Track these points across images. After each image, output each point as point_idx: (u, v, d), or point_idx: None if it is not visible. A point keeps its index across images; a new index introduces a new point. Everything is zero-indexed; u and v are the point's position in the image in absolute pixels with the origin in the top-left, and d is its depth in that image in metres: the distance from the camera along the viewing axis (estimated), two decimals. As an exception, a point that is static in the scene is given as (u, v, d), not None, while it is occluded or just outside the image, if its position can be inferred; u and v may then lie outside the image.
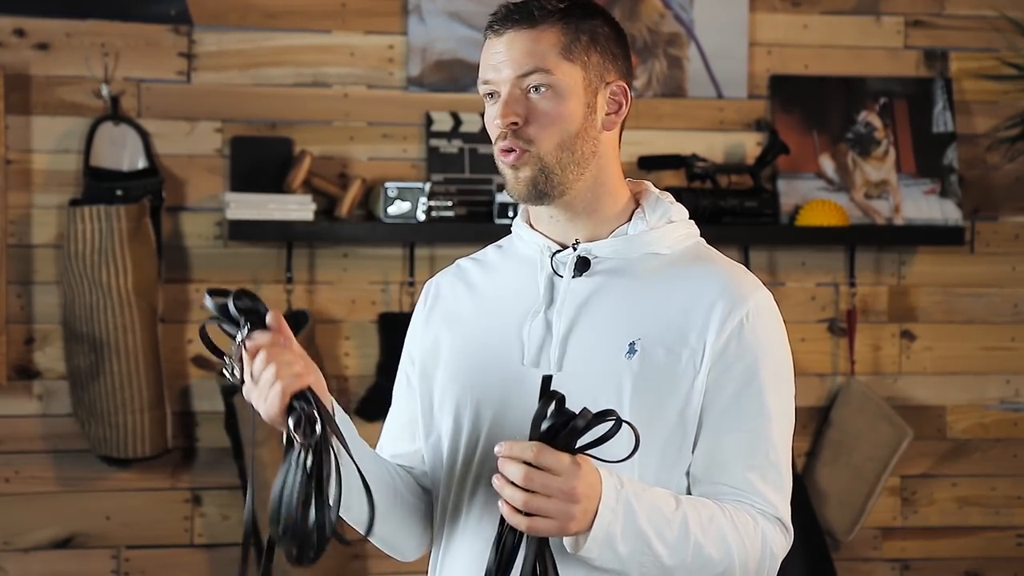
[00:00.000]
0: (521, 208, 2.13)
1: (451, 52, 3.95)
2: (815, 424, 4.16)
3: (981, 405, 4.26)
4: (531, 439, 1.76)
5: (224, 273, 3.87)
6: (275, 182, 3.82)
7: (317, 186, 3.85)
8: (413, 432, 2.15)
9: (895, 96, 4.18)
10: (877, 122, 4.16)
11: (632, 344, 1.96)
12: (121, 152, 3.81)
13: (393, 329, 3.89)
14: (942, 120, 4.19)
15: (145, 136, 3.82)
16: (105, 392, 3.70)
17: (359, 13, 3.94)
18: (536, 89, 1.97)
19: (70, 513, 3.83)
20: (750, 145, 4.11)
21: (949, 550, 4.24)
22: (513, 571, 1.79)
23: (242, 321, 1.87)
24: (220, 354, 1.93)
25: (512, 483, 1.77)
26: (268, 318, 1.88)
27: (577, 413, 1.75)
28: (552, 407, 1.75)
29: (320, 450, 1.83)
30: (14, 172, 3.77)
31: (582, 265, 2.02)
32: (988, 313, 4.25)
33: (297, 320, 3.85)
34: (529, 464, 1.75)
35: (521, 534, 1.78)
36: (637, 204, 2.06)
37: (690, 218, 2.09)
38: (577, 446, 1.76)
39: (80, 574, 3.84)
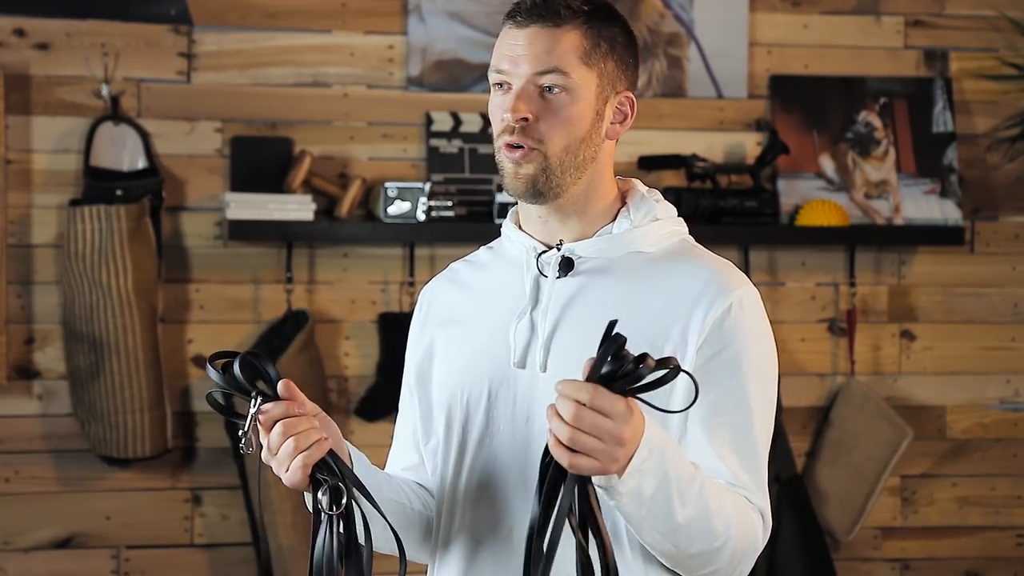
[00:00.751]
0: (511, 209, 2.13)
1: (451, 52, 3.95)
2: (815, 424, 4.16)
3: (981, 405, 4.26)
4: (589, 380, 1.73)
5: (224, 273, 3.87)
6: (275, 182, 3.82)
7: (317, 186, 3.85)
8: (417, 442, 2.16)
9: (895, 96, 4.18)
10: (877, 122, 4.16)
11: None
12: (121, 152, 3.81)
13: (393, 329, 3.89)
14: (942, 120, 4.19)
15: (145, 136, 3.82)
16: (105, 392, 3.70)
17: (359, 13, 3.94)
18: (550, 89, 1.97)
19: (70, 513, 3.83)
20: (750, 145, 4.11)
21: (949, 550, 4.24)
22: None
23: (253, 392, 1.87)
24: (233, 415, 1.93)
25: (563, 418, 1.73)
26: (279, 388, 1.88)
27: (637, 358, 1.73)
28: (613, 350, 1.73)
29: (351, 516, 1.89)
30: (14, 172, 3.77)
31: (566, 265, 2.02)
32: (988, 313, 4.25)
33: (297, 320, 3.85)
34: (582, 404, 1.72)
35: (564, 469, 1.76)
36: (624, 203, 2.06)
37: (679, 215, 2.09)
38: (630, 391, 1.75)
39: (80, 574, 3.84)
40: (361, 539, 1.91)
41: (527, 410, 2.00)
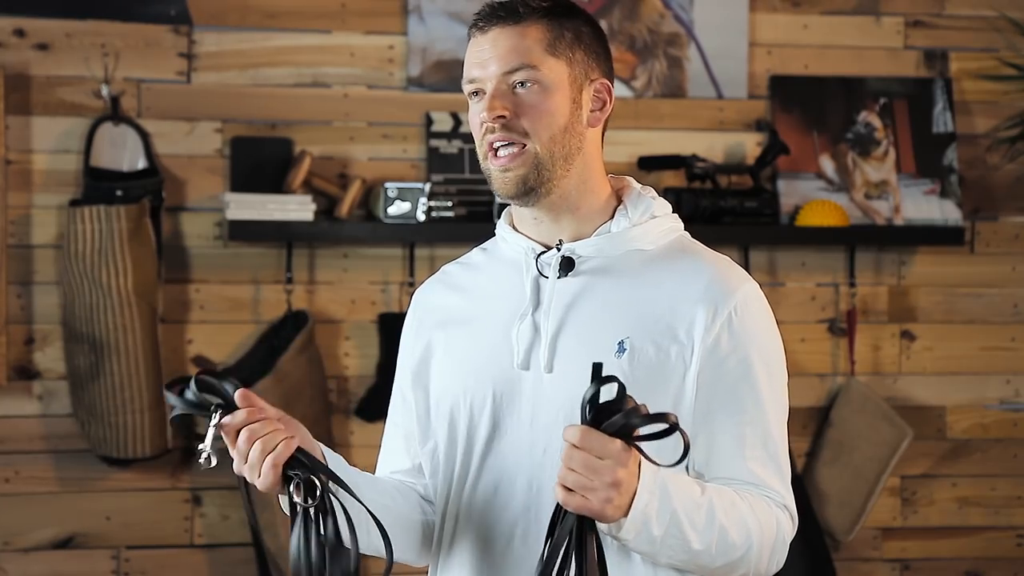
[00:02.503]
0: (505, 210, 2.13)
1: (451, 52, 3.95)
2: (815, 424, 4.16)
3: (981, 405, 4.26)
4: (582, 422, 1.77)
5: (224, 273, 3.87)
6: (275, 182, 3.82)
7: (317, 186, 3.85)
8: (410, 448, 2.15)
9: (895, 96, 4.18)
10: (877, 122, 4.16)
11: (621, 343, 1.96)
12: (121, 152, 3.81)
13: (393, 329, 3.87)
14: (942, 120, 4.19)
15: (145, 136, 3.82)
16: (105, 392, 3.70)
17: (359, 13, 3.94)
18: (522, 84, 1.97)
19: (70, 513, 3.83)
20: (750, 145, 4.11)
21: (949, 550, 4.24)
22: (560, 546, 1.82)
23: (212, 407, 1.88)
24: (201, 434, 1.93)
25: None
26: (237, 397, 1.89)
27: (632, 406, 1.76)
28: (607, 392, 1.76)
29: (327, 510, 1.89)
30: (14, 172, 3.77)
31: (566, 265, 2.02)
32: (988, 313, 4.25)
33: (297, 320, 3.85)
34: (574, 445, 1.76)
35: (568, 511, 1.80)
36: (619, 201, 2.06)
37: (679, 216, 2.09)
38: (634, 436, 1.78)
39: (80, 574, 3.83)
40: (346, 537, 1.90)
41: (532, 412, 1.99)
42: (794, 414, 4.39)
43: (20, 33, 3.78)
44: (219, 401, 1.89)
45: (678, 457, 1.78)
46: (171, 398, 1.90)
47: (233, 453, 1.89)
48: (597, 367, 1.77)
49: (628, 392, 1.78)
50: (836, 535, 4.09)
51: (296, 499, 1.88)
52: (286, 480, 1.89)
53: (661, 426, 1.76)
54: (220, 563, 3.89)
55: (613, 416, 1.76)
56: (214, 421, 1.88)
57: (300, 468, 1.88)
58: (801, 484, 4.01)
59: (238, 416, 1.88)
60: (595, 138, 2.04)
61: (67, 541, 3.83)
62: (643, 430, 1.76)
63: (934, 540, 4.24)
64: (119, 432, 3.70)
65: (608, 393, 1.77)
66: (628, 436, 1.77)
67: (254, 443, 1.87)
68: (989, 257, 4.25)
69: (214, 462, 1.90)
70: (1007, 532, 4.28)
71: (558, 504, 1.81)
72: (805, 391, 4.13)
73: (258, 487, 1.90)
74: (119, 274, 3.68)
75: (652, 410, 1.77)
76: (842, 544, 4.13)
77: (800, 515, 4.08)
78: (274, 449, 1.87)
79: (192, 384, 1.88)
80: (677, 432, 1.76)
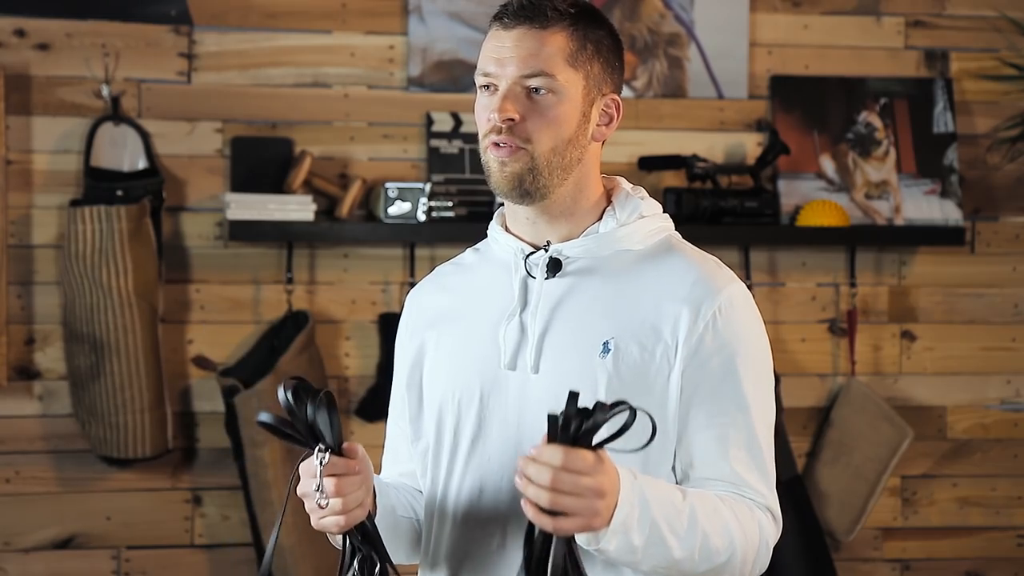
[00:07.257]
0: (496, 211, 2.13)
1: (451, 52, 3.95)
2: (815, 424, 4.16)
3: (981, 405, 4.26)
4: (551, 440, 1.75)
5: (224, 273, 3.87)
6: (275, 182, 3.82)
7: (317, 186, 3.85)
8: (409, 449, 2.15)
9: (895, 96, 4.18)
10: (877, 122, 4.16)
11: (606, 343, 1.96)
12: (121, 152, 3.81)
13: (393, 329, 3.85)
14: (942, 120, 4.19)
15: (145, 136, 3.82)
16: (105, 392, 3.70)
17: (359, 13, 3.94)
18: (537, 90, 1.97)
19: (70, 513, 3.83)
20: (750, 145, 4.11)
21: (950, 550, 4.24)
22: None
23: (320, 446, 1.90)
24: (289, 430, 1.91)
25: (540, 485, 1.75)
26: (346, 448, 1.90)
27: (592, 408, 1.74)
28: (568, 406, 1.74)
29: None
30: (14, 172, 3.77)
31: (554, 266, 2.02)
32: (988, 313, 4.25)
33: (297, 320, 3.85)
34: (557, 468, 1.73)
35: (550, 534, 1.77)
36: (609, 201, 2.06)
37: (681, 216, 2.10)
38: (595, 442, 1.76)
39: (80, 574, 3.83)
40: None
41: (518, 413, 2.00)
42: (794, 414, 4.41)
43: (20, 33, 3.78)
44: (322, 432, 1.91)
45: (644, 441, 1.76)
46: (284, 400, 1.91)
47: (309, 487, 1.90)
48: (573, 395, 1.75)
49: (607, 393, 1.76)
50: (836, 535, 4.09)
51: (355, 572, 1.91)
52: (346, 539, 1.92)
53: (622, 417, 1.73)
54: (220, 563, 3.89)
55: (581, 429, 1.74)
56: (320, 460, 1.89)
57: (363, 537, 1.91)
58: (801, 484, 4.01)
59: (339, 465, 1.89)
60: (596, 149, 2.05)
61: (67, 541, 3.83)
62: (604, 428, 1.74)
63: (934, 540, 4.23)
64: (119, 432, 3.70)
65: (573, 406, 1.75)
66: (589, 440, 1.75)
67: (339, 496, 1.88)
68: (989, 257, 4.25)
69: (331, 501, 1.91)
70: (1007, 532, 4.28)
71: (534, 530, 1.78)
72: (805, 391, 4.13)
73: (313, 525, 1.92)
74: (119, 274, 3.69)
75: (621, 407, 1.74)
76: (842, 544, 4.12)
77: (800, 515, 4.09)
78: (351, 511, 1.89)
79: (311, 406, 1.91)
80: (644, 415, 1.74)
